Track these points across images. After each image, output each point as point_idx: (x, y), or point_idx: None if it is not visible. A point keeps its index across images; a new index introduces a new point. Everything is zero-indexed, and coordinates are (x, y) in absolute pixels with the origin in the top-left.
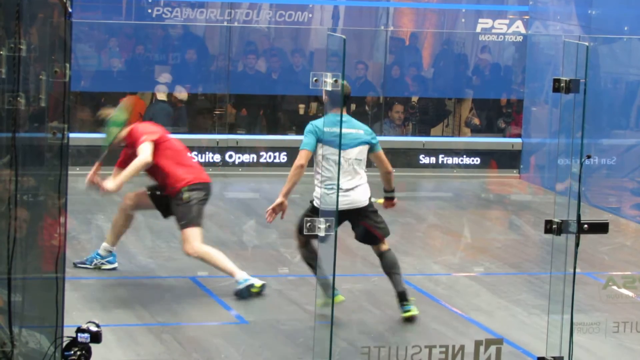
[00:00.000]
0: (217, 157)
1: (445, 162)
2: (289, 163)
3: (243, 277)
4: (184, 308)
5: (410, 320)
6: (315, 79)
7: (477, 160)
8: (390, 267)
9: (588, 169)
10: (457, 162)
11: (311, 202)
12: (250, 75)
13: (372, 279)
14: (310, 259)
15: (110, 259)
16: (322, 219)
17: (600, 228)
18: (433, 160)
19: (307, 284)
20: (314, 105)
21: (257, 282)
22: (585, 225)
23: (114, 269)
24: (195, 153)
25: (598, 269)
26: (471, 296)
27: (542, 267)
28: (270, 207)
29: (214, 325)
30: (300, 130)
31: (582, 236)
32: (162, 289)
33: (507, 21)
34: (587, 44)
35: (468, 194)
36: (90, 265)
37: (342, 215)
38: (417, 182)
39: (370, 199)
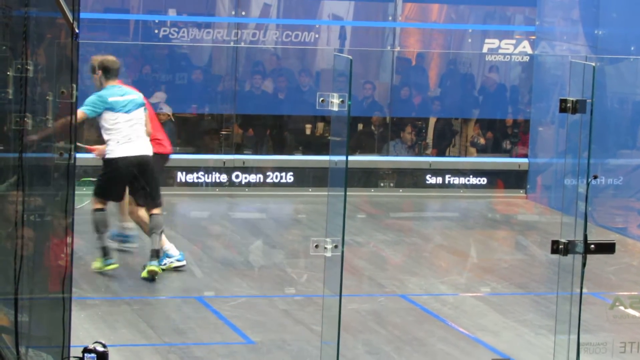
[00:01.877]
0: (223, 177)
1: (451, 182)
2: (296, 183)
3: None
4: (191, 328)
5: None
6: (322, 99)
7: (483, 180)
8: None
9: (595, 189)
10: (463, 182)
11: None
12: (256, 96)
13: (378, 299)
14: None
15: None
16: (328, 239)
17: (607, 248)
18: (440, 180)
19: (313, 304)
20: (320, 125)
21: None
22: (592, 246)
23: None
24: (202, 173)
25: (605, 289)
26: (478, 316)
27: (549, 287)
28: None
29: (221, 346)
30: (307, 151)
31: (589, 256)
32: (168, 309)
33: (513, 41)
34: (593, 64)
35: (475, 214)
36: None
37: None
38: (423, 202)
39: None
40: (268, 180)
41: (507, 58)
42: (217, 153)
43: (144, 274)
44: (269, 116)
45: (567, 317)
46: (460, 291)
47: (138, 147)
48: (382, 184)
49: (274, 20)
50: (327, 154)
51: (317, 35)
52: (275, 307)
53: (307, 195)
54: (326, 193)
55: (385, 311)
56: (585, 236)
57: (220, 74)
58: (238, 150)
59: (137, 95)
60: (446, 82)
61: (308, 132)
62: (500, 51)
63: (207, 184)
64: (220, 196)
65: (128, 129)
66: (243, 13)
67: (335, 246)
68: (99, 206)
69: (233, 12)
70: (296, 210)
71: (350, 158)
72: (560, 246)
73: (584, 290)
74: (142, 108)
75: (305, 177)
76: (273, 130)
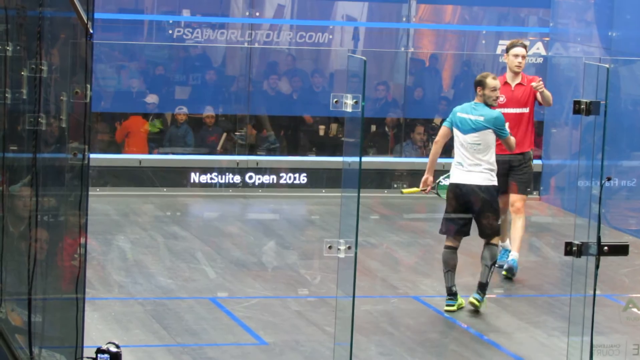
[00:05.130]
0: (237, 178)
1: None
2: (309, 184)
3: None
4: (204, 329)
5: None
6: (335, 100)
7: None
8: (483, 258)
9: (608, 191)
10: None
11: None
12: (270, 97)
13: (391, 301)
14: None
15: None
16: (342, 240)
17: (621, 250)
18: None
19: (326, 305)
20: (334, 126)
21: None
22: (606, 247)
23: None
24: (215, 174)
25: (618, 291)
26: (491, 318)
27: (562, 289)
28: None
29: (234, 347)
30: (320, 152)
31: (602, 258)
32: (181, 309)
33: (527, 43)
34: (607, 65)
35: None
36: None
37: (464, 194)
38: (437, 203)
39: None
40: (282, 181)
41: None
42: (231, 154)
43: (470, 300)
44: (283, 117)
45: (581, 319)
46: (473, 293)
47: (467, 175)
48: (395, 185)
49: (288, 21)
50: (340, 155)
51: (330, 36)
52: (288, 308)
53: (321, 197)
54: (339, 194)
55: (398, 313)
56: (599, 238)
57: (234, 74)
58: (251, 151)
59: (483, 117)
60: (460, 83)
61: (322, 133)
62: None
63: (220, 185)
64: (233, 197)
65: (463, 152)
66: (257, 14)
67: (349, 247)
68: (447, 243)
69: (247, 13)
70: (309, 211)
71: (364, 159)
72: (574, 248)
73: (597, 292)
74: (486, 131)
75: (319, 178)
76: (287, 131)
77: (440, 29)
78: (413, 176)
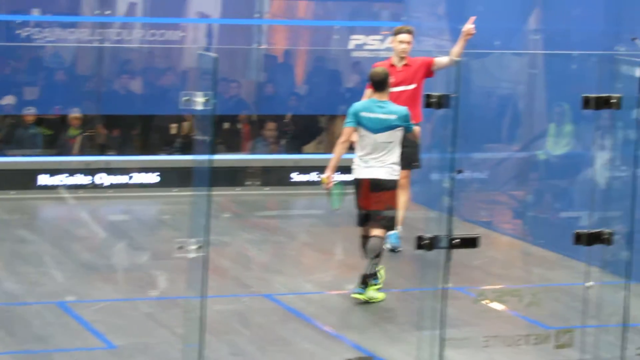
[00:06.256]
0: (87, 179)
1: (318, 179)
2: (161, 184)
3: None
4: (51, 334)
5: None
6: (185, 98)
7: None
8: (367, 252)
9: (461, 184)
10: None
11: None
12: (121, 96)
13: (242, 299)
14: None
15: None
16: (193, 239)
17: (471, 242)
18: (306, 178)
19: (176, 307)
20: (186, 125)
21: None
22: (457, 240)
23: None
24: (66, 175)
25: (469, 283)
26: (343, 314)
27: (414, 283)
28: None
29: (82, 351)
30: (172, 150)
31: (454, 251)
32: (28, 315)
33: (380, 37)
34: (458, 59)
35: (341, 211)
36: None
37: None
38: (288, 200)
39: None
40: (133, 181)
41: (374, 54)
42: (81, 154)
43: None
44: (135, 116)
45: (432, 312)
46: (325, 289)
47: (369, 170)
48: (248, 183)
49: (139, 19)
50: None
51: (183, 34)
52: (137, 310)
53: (172, 196)
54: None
55: (249, 311)
56: (450, 231)
57: (85, 74)
58: (102, 151)
59: (396, 116)
60: (313, 78)
61: (173, 131)
62: (366, 47)
63: (69, 187)
64: (83, 199)
65: (370, 151)
66: (108, 12)
67: (199, 247)
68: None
69: (97, 12)
70: (161, 211)
71: (215, 157)
72: (425, 241)
73: (450, 285)
74: (398, 129)
75: (171, 178)
76: (138, 130)
77: (293, 24)
78: (265, 173)
